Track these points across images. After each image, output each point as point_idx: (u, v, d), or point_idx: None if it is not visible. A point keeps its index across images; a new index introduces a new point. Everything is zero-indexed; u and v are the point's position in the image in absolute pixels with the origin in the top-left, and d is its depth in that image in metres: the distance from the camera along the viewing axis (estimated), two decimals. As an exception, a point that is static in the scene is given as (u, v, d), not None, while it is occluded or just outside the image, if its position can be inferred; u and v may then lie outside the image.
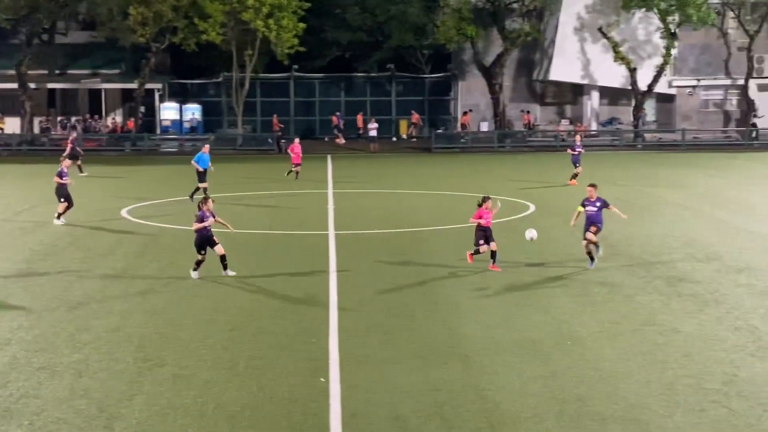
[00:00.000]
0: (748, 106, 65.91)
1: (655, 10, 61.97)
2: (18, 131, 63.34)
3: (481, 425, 11.31)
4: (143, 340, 15.01)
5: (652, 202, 32.12)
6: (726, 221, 27.70)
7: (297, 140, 42.21)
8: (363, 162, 52.59)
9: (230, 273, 19.60)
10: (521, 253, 21.70)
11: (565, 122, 68.65)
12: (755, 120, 65.70)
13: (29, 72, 62.56)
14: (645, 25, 65.59)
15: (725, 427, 11.23)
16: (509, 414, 11.68)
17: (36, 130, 64.81)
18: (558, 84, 68.36)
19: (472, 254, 20.37)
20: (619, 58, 62.93)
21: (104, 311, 16.92)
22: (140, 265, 21.20)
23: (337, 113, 67.20)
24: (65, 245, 24.02)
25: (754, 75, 65.82)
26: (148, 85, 64.56)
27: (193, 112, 67.29)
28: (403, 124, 69.22)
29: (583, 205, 20.43)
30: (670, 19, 62.31)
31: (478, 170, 46.26)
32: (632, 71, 63.23)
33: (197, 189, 32.45)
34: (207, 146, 34.90)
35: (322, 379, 12.94)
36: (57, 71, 66.24)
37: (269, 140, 61.93)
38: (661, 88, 65.63)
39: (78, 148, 43.31)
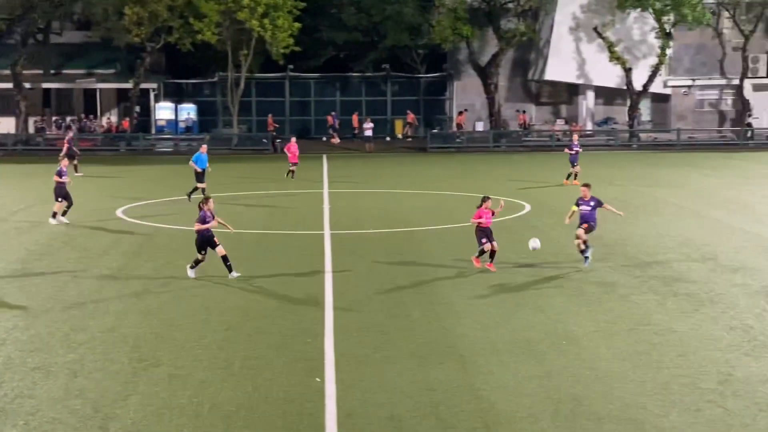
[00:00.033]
0: (743, 106, 66.01)
1: (650, 10, 62.03)
2: (13, 131, 63.24)
3: (477, 425, 11.31)
4: (138, 340, 15.00)
5: (647, 201, 32.16)
6: (721, 221, 27.74)
7: (293, 140, 42.21)
8: (358, 162, 52.58)
9: (235, 275, 19.45)
10: (517, 253, 21.71)
11: (560, 122, 68.72)
12: (750, 120, 65.82)
13: (24, 72, 62.46)
14: (640, 25, 65.66)
15: (721, 427, 11.24)
16: (505, 414, 11.68)
17: (31, 130, 64.68)
18: (553, 84, 68.41)
19: (477, 257, 20.29)
20: (615, 58, 63.00)
21: (100, 311, 16.91)
22: (136, 265, 21.18)
23: (333, 113, 67.24)
24: (61, 245, 23.99)
25: (749, 75, 65.98)
26: (144, 85, 64.51)
27: (188, 111, 67.24)
28: (398, 124, 69.26)
29: (577, 205, 20.56)
30: (665, 18, 62.39)
31: (474, 170, 46.26)
32: (627, 71, 63.29)
33: (195, 189, 32.48)
34: (204, 146, 34.92)
35: (318, 379, 12.93)
36: (52, 71, 66.13)
37: (264, 140, 61.90)
38: (656, 88, 65.75)
39: (74, 148, 43.25)
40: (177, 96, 69.04)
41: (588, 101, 68.01)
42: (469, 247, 21.25)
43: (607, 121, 68.15)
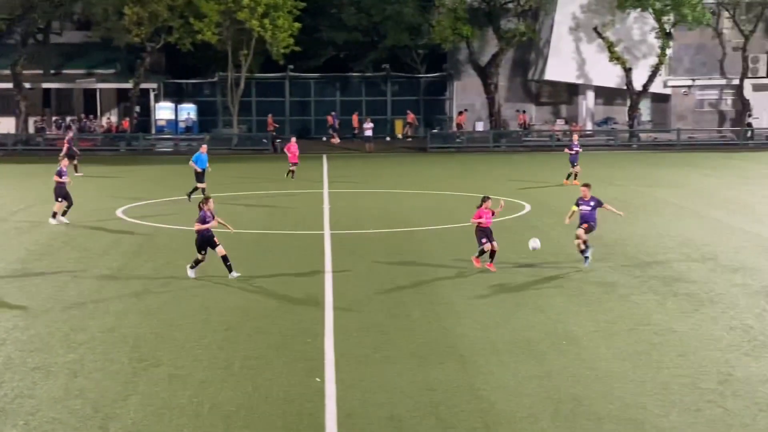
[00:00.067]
0: (743, 106, 66.00)
1: (650, 10, 62.02)
2: (13, 131, 63.24)
3: (477, 425, 11.31)
4: (138, 340, 15.00)
5: (647, 201, 32.16)
6: (721, 221, 27.73)
7: (293, 140, 42.22)
8: (358, 162, 52.58)
9: (235, 275, 19.45)
10: (517, 253, 21.71)
11: (560, 122, 68.72)
12: (750, 120, 65.81)
13: (24, 72, 62.47)
14: (640, 25, 65.66)
15: (721, 427, 11.24)
16: (504, 414, 11.68)
17: (31, 130, 64.70)
18: (553, 84, 68.40)
19: (477, 257, 20.29)
20: (615, 57, 62.99)
21: (99, 311, 16.91)
22: (136, 265, 21.18)
23: (333, 113, 67.24)
24: (61, 245, 23.99)
25: (749, 75, 65.96)
26: (144, 85, 64.51)
27: (188, 111, 67.25)
28: (398, 124, 69.25)
29: (577, 205, 20.58)
30: (665, 18, 62.39)
31: (474, 170, 46.26)
32: (627, 71, 63.29)
33: (195, 189, 32.49)
34: (204, 146, 34.93)
35: (318, 379, 12.93)
36: (52, 71, 66.14)
37: (264, 140, 61.90)
38: (656, 87, 65.74)
39: (74, 148, 43.26)
40: (177, 96, 69.04)
41: (588, 101, 68.01)
42: (469, 247, 21.25)
43: (607, 121, 68.14)
